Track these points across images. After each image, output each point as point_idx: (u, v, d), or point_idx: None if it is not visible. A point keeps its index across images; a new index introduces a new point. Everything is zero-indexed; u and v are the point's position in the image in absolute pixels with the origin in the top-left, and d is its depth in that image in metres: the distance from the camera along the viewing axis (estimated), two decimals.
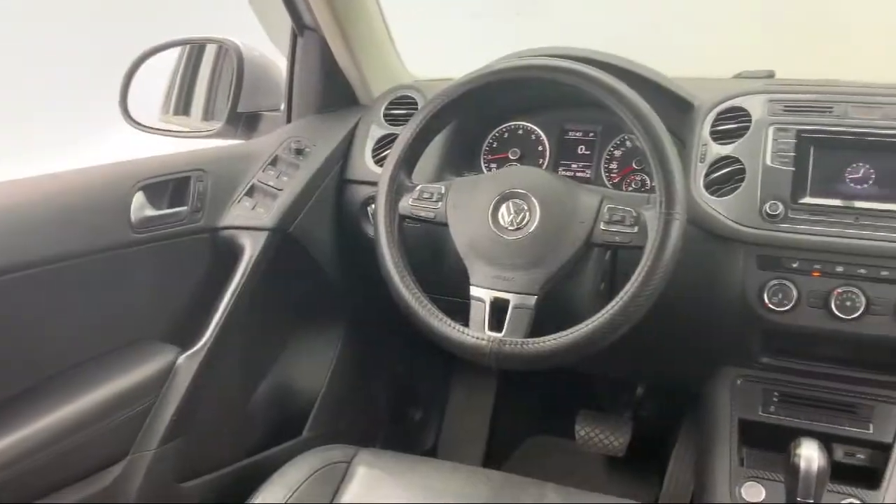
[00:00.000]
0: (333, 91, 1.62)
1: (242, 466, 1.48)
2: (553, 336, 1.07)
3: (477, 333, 1.11)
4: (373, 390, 1.90)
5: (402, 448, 1.95)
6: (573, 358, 1.08)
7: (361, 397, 1.83)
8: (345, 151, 1.54)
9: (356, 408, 1.80)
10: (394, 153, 1.24)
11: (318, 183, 1.49)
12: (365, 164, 1.51)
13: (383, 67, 1.66)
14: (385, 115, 1.55)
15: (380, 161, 1.50)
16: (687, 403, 1.82)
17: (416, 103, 1.53)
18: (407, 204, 1.22)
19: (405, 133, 1.23)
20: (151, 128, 1.64)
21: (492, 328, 1.11)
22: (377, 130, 1.53)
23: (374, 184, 1.33)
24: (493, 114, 1.52)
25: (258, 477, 1.23)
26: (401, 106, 1.54)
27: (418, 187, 1.23)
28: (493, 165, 1.52)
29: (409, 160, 1.24)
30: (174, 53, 1.69)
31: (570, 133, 1.49)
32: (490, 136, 1.53)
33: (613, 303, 1.06)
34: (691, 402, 1.53)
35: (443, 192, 1.22)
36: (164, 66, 1.67)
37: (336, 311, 1.70)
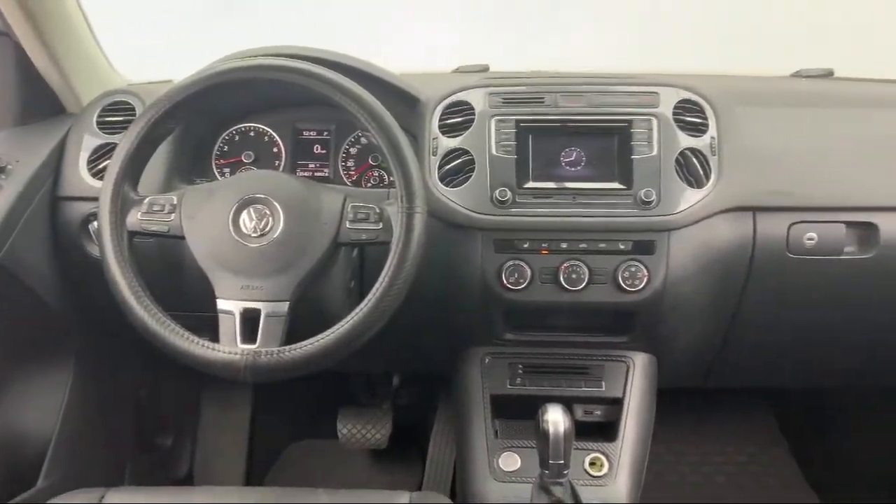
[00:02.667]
0: (35, 100, 1.44)
1: None
2: (310, 341, 1.05)
3: (228, 348, 1.06)
4: (115, 423, 1.74)
5: (155, 480, 1.82)
6: (333, 360, 1.07)
7: (103, 432, 1.67)
8: (55, 166, 1.39)
9: (98, 444, 1.64)
10: (114, 164, 1.13)
11: (25, 203, 1.32)
12: (80, 177, 1.37)
13: (91, 72, 1.51)
14: (99, 124, 1.41)
15: (98, 174, 1.37)
16: (442, 387, 1.89)
17: (133, 109, 1.42)
18: (135, 219, 1.13)
19: (125, 142, 1.13)
20: None
21: (245, 340, 1.07)
22: (91, 140, 1.40)
23: (94, 199, 1.21)
24: (222, 116, 1.46)
25: None
26: (116, 112, 1.42)
27: (147, 199, 1.14)
28: (227, 171, 1.46)
29: (132, 171, 1.14)
30: None
31: (305, 133, 1.47)
32: (220, 139, 1.46)
33: (366, 301, 1.06)
34: (445, 385, 1.60)
35: (175, 202, 1.14)
36: None
37: (62, 344, 1.53)
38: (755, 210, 1.29)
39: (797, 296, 1.36)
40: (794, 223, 1.29)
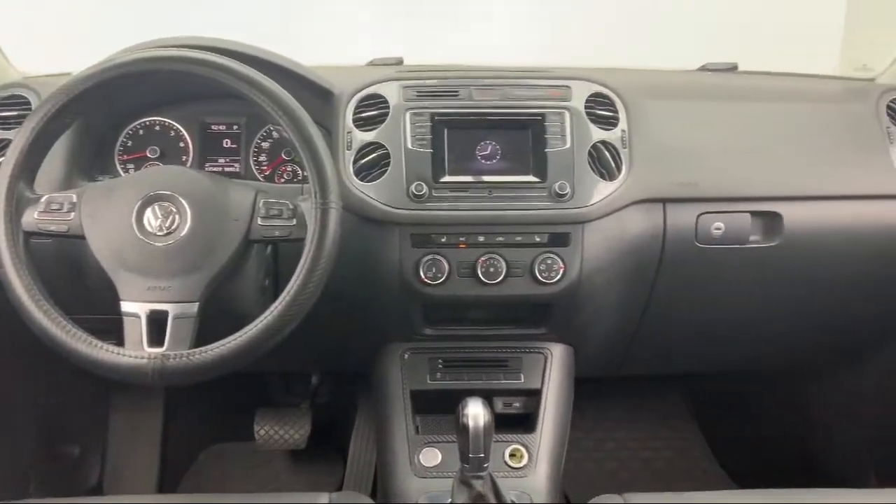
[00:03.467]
0: None
1: None
2: (221, 342, 1.02)
3: (135, 352, 1.01)
4: (16, 435, 1.65)
5: (62, 491, 1.74)
6: (246, 361, 1.04)
7: (2, 446, 1.58)
8: None
9: None
10: (8, 161, 1.07)
11: None
12: None
13: None
14: None
15: None
16: (361, 384, 1.87)
17: (29, 103, 1.34)
18: (32, 218, 1.07)
19: (20, 137, 1.07)
20: None
21: (152, 344, 1.03)
22: None
23: None
24: (125, 110, 1.40)
25: None
26: (10, 107, 1.34)
27: (44, 198, 1.08)
28: (131, 167, 1.40)
29: (28, 168, 1.08)
30: None
31: (213, 127, 1.42)
32: (123, 134, 1.40)
33: (280, 299, 1.04)
34: (365, 383, 1.58)
35: (74, 200, 1.09)
36: None
37: None
38: (665, 201, 1.32)
39: (706, 284, 1.40)
40: (702, 213, 1.33)
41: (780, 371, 1.83)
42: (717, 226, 1.33)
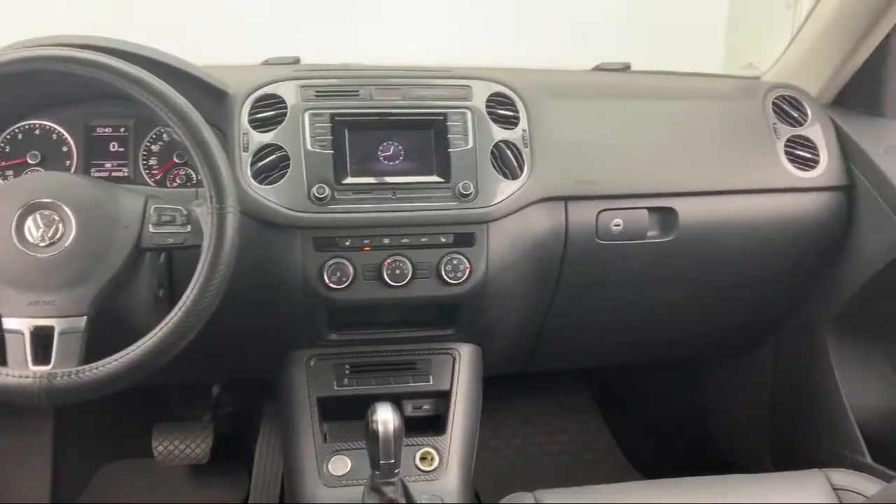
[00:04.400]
0: None
1: None
2: (113, 357, 0.97)
3: (19, 371, 0.95)
4: None
5: None
6: (140, 376, 0.99)
7: None
8: None
9: None
10: None
11: None
12: None
13: None
14: None
15: None
16: (266, 393, 1.82)
17: None
18: None
19: None
20: None
21: (37, 362, 0.96)
22: None
23: None
24: (1, 113, 1.30)
25: None
26: None
27: None
28: (10, 173, 1.31)
29: None
30: None
31: (99, 129, 1.34)
32: (0, 139, 1.31)
33: (176, 310, 0.99)
34: (270, 392, 1.54)
35: None
36: None
37: None
38: (566, 199, 1.34)
39: (608, 280, 1.43)
40: (601, 210, 1.35)
41: (681, 362, 1.90)
42: (617, 222, 1.36)
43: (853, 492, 1.08)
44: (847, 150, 1.46)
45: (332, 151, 1.24)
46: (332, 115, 1.26)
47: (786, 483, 1.11)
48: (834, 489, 1.08)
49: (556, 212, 1.33)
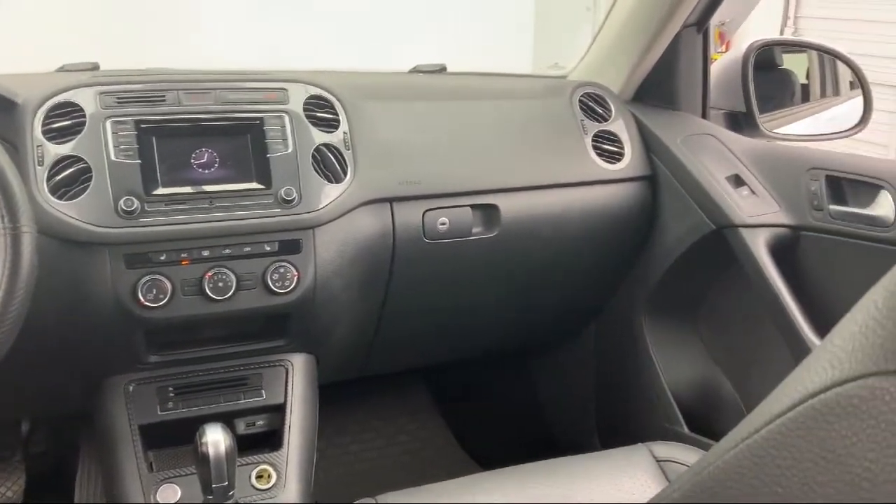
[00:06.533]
0: None
1: None
2: None
3: None
4: None
5: None
6: None
7: None
8: None
9: None
10: None
11: None
12: None
13: None
14: None
15: None
16: (82, 425, 1.69)
17: None
18: None
19: None
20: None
21: None
22: None
23: None
24: None
25: None
26: None
27: None
28: None
29: None
30: None
31: None
32: None
33: None
34: (86, 423, 1.42)
35: None
36: None
37: None
38: (391, 201, 1.34)
39: (438, 278, 1.44)
40: (427, 210, 1.36)
41: (511, 353, 1.96)
42: (442, 221, 1.38)
43: (675, 462, 1.15)
44: (648, 142, 1.56)
45: (139, 161, 1.16)
46: (137, 123, 1.18)
47: (612, 459, 1.17)
48: (657, 461, 1.15)
49: (382, 214, 1.33)
